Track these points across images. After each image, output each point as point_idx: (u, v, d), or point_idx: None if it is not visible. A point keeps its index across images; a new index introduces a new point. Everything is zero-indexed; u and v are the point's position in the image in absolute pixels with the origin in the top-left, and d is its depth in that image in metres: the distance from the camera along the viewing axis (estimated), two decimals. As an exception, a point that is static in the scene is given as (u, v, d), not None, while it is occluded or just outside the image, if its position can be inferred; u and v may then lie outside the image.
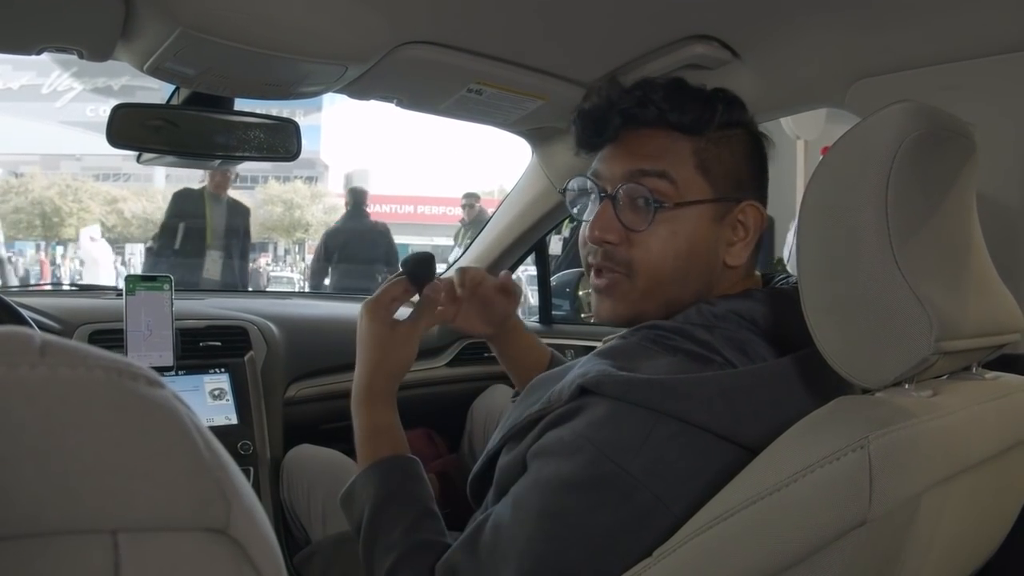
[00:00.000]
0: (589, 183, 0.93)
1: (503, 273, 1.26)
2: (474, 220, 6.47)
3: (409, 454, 1.03)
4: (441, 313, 1.16)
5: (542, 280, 2.31)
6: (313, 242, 26.76)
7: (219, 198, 5.23)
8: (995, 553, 0.91)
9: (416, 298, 1.13)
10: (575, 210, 0.97)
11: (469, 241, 2.27)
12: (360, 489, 0.99)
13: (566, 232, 3.74)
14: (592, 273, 0.93)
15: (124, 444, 0.27)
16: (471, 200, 6.88)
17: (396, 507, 0.95)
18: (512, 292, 1.23)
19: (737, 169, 0.90)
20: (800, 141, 4.92)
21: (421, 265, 1.10)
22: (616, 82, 0.92)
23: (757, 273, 0.96)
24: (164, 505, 0.28)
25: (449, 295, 1.16)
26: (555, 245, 4.14)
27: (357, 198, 6.09)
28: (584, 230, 0.93)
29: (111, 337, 1.54)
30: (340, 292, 4.32)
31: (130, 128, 1.32)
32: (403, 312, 1.11)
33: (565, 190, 0.98)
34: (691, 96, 0.89)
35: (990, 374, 0.85)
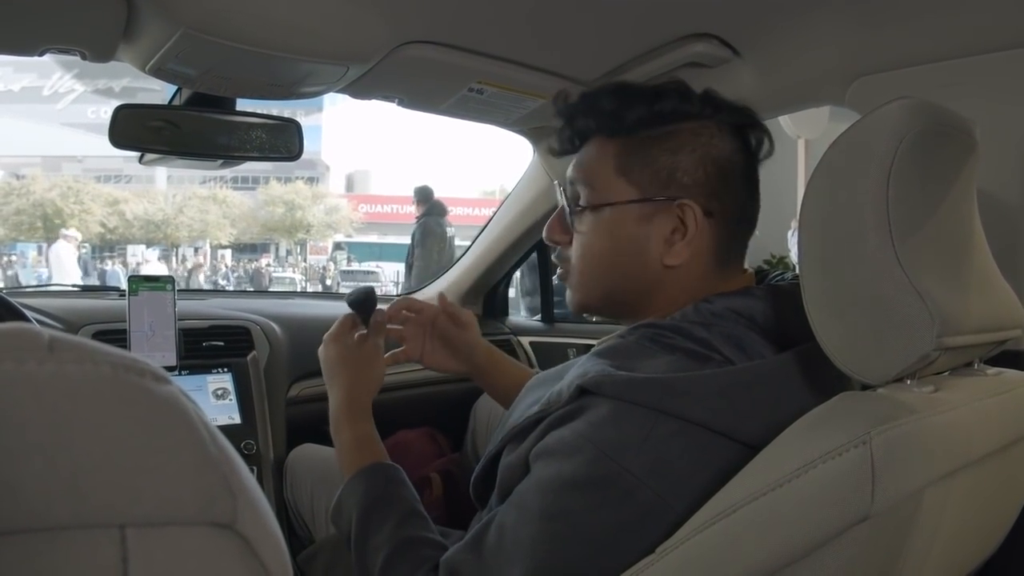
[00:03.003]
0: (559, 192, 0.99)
1: (439, 299, 1.35)
2: (424, 215, 6.56)
3: (390, 462, 1.08)
4: (406, 352, 1.32)
5: (544, 279, 2.31)
6: (314, 242, 26.87)
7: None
8: (998, 548, 0.91)
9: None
10: None
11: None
12: (347, 498, 1.03)
13: None
14: None
15: (131, 439, 0.27)
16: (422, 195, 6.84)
17: (382, 508, 0.98)
18: (462, 319, 1.33)
19: (672, 169, 0.87)
20: (800, 140, 4.92)
21: (361, 297, 1.24)
22: (565, 95, 0.96)
23: (749, 270, 0.95)
24: (171, 500, 0.28)
25: (399, 321, 1.31)
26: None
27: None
28: None
29: (114, 337, 1.54)
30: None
31: (132, 129, 1.32)
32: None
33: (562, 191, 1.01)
34: (617, 98, 0.90)
35: (991, 370, 0.85)
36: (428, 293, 2.29)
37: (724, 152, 0.88)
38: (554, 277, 2.39)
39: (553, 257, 1.01)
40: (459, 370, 1.35)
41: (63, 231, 14.18)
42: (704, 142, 0.87)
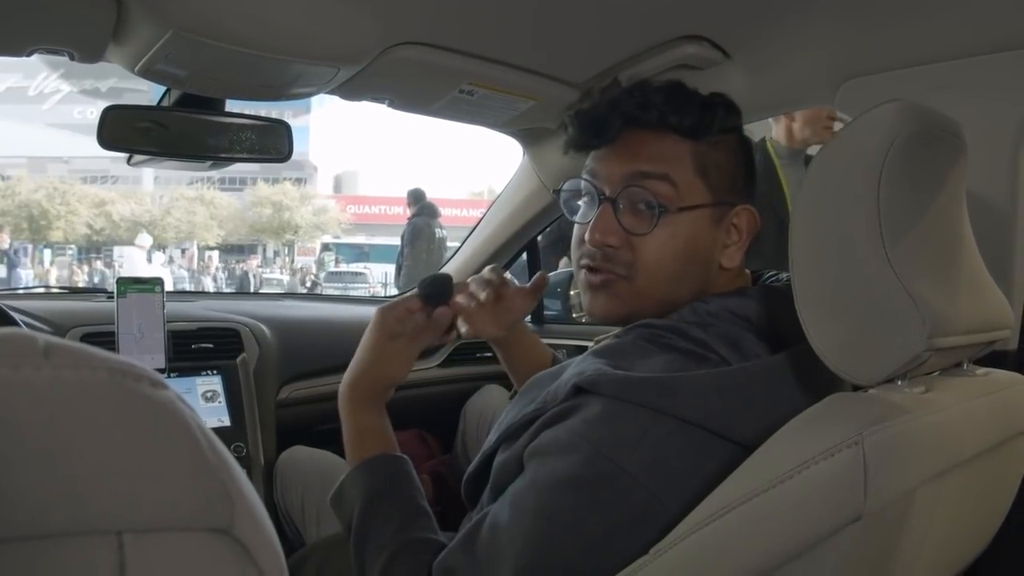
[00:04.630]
0: (585, 185, 0.92)
1: (538, 275, 1.25)
2: (415, 216, 6.57)
3: (398, 453, 1.03)
4: (460, 308, 1.15)
5: (534, 280, 2.30)
6: (302, 244, 26.79)
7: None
8: (988, 546, 0.91)
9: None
10: (571, 213, 0.96)
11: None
12: (349, 488, 0.99)
13: None
14: (585, 271, 0.92)
15: (128, 445, 0.27)
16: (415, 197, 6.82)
17: (386, 506, 0.95)
18: (535, 294, 1.24)
19: (732, 173, 0.91)
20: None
21: (436, 286, 1.11)
22: (616, 83, 0.93)
23: (747, 271, 0.97)
24: (169, 505, 0.28)
25: (469, 298, 1.17)
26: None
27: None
28: (578, 231, 0.93)
29: (102, 340, 1.53)
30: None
31: (121, 130, 1.32)
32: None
33: (560, 191, 0.98)
34: (691, 100, 0.89)
35: (981, 370, 0.86)
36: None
37: (750, 161, 0.94)
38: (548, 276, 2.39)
39: (585, 260, 0.92)
40: (498, 335, 1.24)
41: (138, 239, 14.67)
42: (744, 150, 0.93)
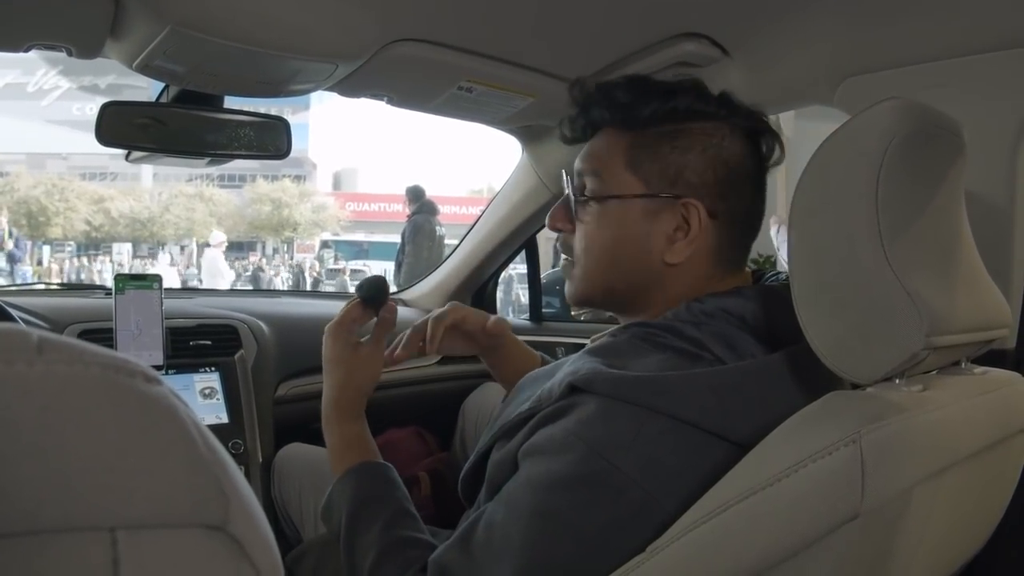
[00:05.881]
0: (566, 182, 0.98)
1: (493, 319, 1.25)
2: (415, 214, 6.57)
3: (381, 460, 1.07)
4: (419, 348, 1.22)
5: (532, 278, 2.31)
6: (301, 241, 26.79)
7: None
8: (984, 545, 0.92)
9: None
10: None
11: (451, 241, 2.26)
12: (337, 497, 1.02)
13: None
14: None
15: (122, 441, 0.27)
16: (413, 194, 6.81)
17: (372, 508, 0.97)
18: (498, 335, 1.26)
19: (681, 167, 0.87)
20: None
21: (374, 289, 1.16)
22: (582, 84, 0.95)
23: (747, 270, 0.96)
24: (163, 502, 0.28)
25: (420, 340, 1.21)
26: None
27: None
28: None
29: (100, 336, 1.53)
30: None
31: (119, 126, 1.31)
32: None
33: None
34: (633, 91, 0.90)
35: (979, 369, 0.86)
36: (417, 291, 2.29)
37: (735, 155, 0.89)
38: (543, 276, 2.40)
39: (556, 245, 1.01)
40: (476, 351, 1.28)
41: (211, 237, 14.00)
42: (716, 143, 0.88)
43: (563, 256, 1.00)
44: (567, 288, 0.98)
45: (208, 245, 13.07)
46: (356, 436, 1.10)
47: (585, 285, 0.94)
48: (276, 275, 18.37)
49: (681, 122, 0.88)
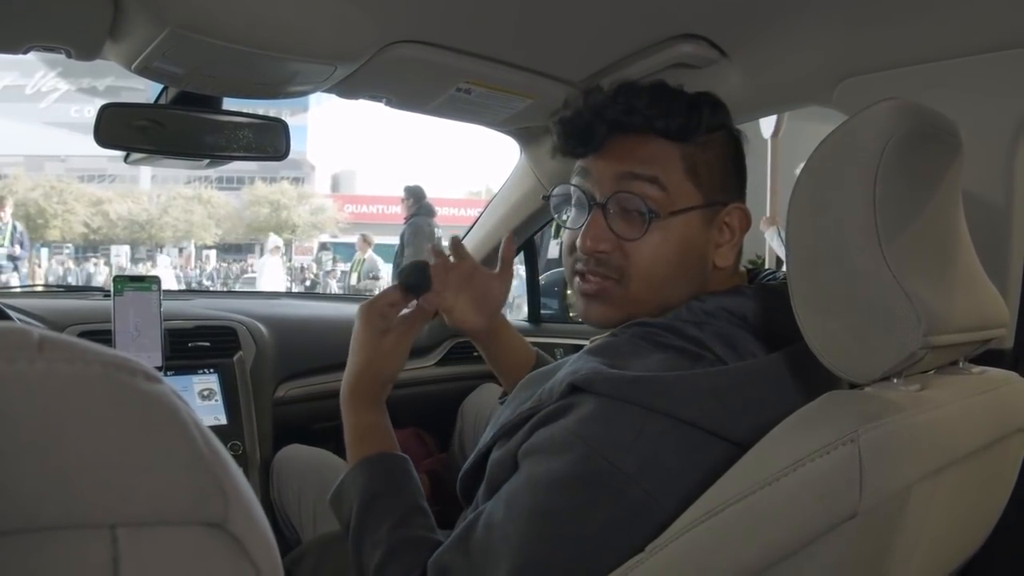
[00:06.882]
0: (575, 190, 0.91)
1: (503, 247, 1.25)
2: (414, 215, 6.57)
3: (398, 452, 1.04)
4: (441, 300, 1.16)
5: (531, 280, 2.31)
6: (300, 243, 26.77)
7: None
8: (983, 544, 0.92)
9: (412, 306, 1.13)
10: (561, 217, 0.96)
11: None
12: (348, 486, 1.00)
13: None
14: (579, 278, 0.91)
15: (123, 439, 0.27)
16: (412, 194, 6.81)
17: (384, 503, 0.96)
18: (507, 271, 1.24)
19: (723, 172, 0.90)
20: (769, 140, 4.90)
21: (416, 274, 1.11)
22: (599, 89, 0.90)
23: (742, 269, 0.96)
24: (163, 499, 0.28)
25: (444, 263, 1.19)
26: (554, 249, 4.14)
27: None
28: (570, 237, 0.92)
29: (99, 338, 1.52)
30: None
31: (118, 128, 1.31)
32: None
33: (549, 197, 0.97)
34: (676, 101, 0.88)
35: (976, 368, 0.86)
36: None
37: (740, 157, 0.93)
38: (542, 277, 2.40)
39: (578, 266, 0.91)
40: (481, 326, 1.23)
41: (271, 243, 13.90)
42: (733, 149, 0.92)
43: (588, 278, 0.90)
44: (596, 311, 0.91)
45: (272, 252, 13.03)
46: (371, 425, 1.05)
47: (635, 308, 0.88)
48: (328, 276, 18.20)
49: (714, 131, 0.90)
